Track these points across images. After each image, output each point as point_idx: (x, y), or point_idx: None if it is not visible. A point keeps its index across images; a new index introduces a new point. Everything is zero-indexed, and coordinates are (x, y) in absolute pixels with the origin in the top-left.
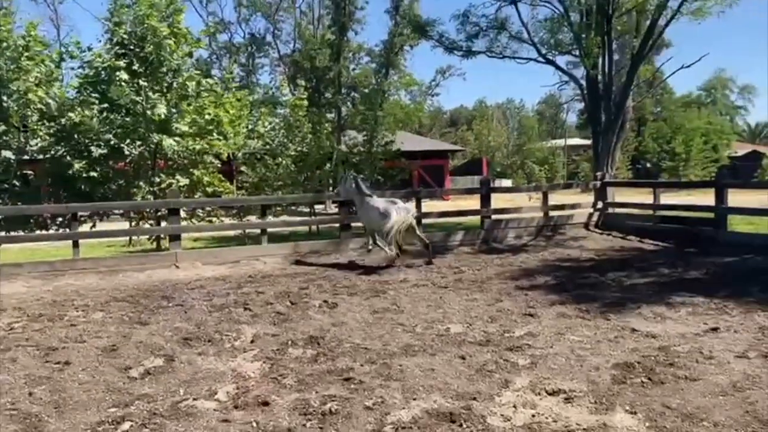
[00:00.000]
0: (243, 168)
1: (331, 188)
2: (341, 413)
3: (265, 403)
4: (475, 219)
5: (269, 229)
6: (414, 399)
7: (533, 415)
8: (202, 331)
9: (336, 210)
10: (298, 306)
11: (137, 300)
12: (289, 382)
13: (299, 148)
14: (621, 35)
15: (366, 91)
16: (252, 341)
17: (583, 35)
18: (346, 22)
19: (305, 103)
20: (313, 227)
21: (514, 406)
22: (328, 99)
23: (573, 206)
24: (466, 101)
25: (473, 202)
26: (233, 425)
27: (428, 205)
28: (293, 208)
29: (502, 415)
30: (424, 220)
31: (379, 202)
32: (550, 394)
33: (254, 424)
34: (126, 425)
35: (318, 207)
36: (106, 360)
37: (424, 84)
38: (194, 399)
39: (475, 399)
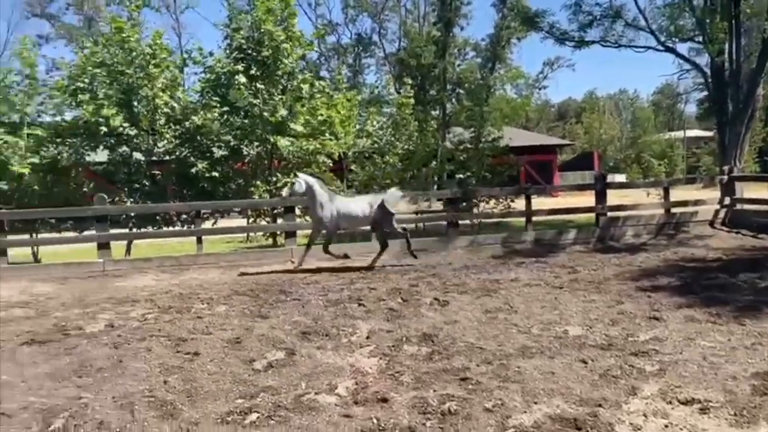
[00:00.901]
0: (353, 167)
1: (435, 186)
2: (461, 414)
3: (384, 400)
4: (588, 217)
5: None
6: (535, 403)
7: (666, 426)
8: (319, 326)
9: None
10: (410, 303)
11: (257, 294)
12: (406, 380)
13: (406, 146)
14: (750, 18)
15: (471, 86)
16: (367, 337)
17: (707, 20)
18: (451, 17)
19: (412, 101)
20: (419, 225)
21: (644, 415)
22: (433, 96)
23: (696, 202)
24: (574, 93)
25: (584, 199)
26: (354, 421)
27: (537, 202)
28: None
29: (631, 423)
30: (534, 218)
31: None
32: (683, 404)
33: (374, 421)
34: (253, 416)
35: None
36: (232, 352)
37: (531, 77)
38: (315, 393)
39: (600, 405)
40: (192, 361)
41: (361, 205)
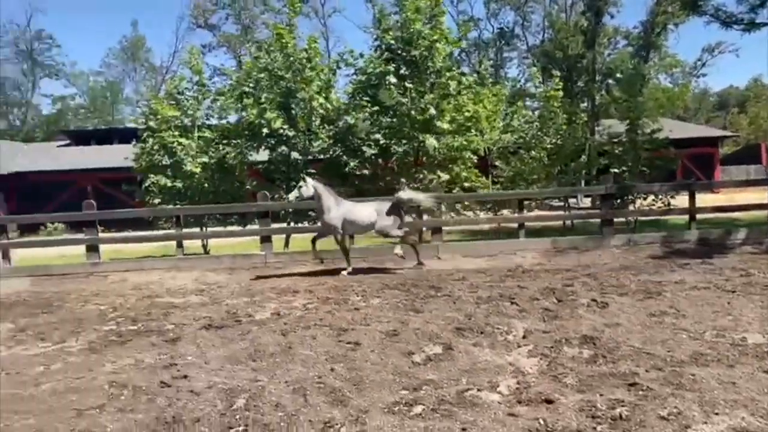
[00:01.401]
0: (497, 162)
1: (583, 182)
2: (633, 420)
3: (549, 401)
4: (755, 215)
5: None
6: (716, 414)
7: None
8: (473, 323)
9: (589, 204)
10: (565, 303)
11: (408, 289)
12: (570, 382)
13: (553, 141)
14: None
15: (621, 76)
16: (524, 336)
17: None
18: (601, 6)
19: (560, 93)
20: (567, 222)
21: None
22: (581, 88)
23: None
24: (737, 80)
25: (752, 195)
26: (520, 419)
27: (698, 199)
28: (546, 202)
29: None
30: (698, 215)
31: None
32: None
33: (541, 422)
34: (418, 408)
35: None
36: (390, 344)
37: (687, 64)
38: (478, 389)
39: None
40: (354, 351)
41: (367, 211)
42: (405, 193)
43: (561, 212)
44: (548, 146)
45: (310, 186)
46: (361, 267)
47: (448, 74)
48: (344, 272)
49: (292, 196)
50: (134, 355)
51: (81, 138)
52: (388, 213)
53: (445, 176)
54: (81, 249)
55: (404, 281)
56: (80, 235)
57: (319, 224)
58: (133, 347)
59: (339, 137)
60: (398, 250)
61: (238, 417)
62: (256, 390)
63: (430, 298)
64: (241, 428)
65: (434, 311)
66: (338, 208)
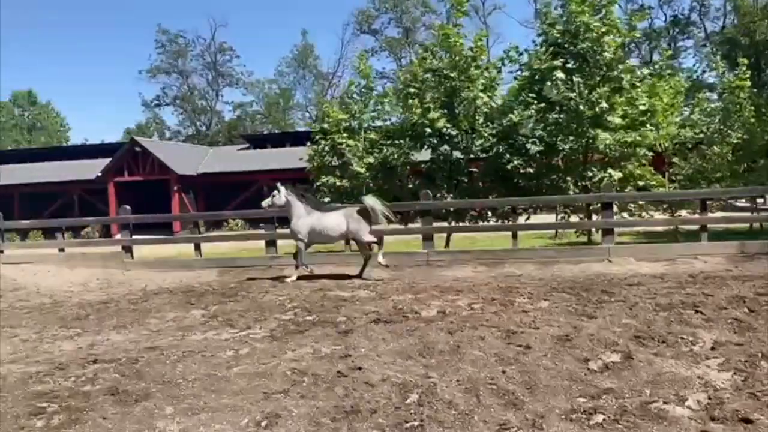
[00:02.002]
0: (675, 159)
1: None
2: None
3: (747, 421)
4: None
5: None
6: None
7: None
8: (652, 331)
9: None
10: (759, 314)
11: (577, 292)
12: None
13: (739, 135)
14: None
15: None
16: (712, 348)
17: None
18: None
19: (747, 83)
20: (755, 225)
21: None
22: None
23: None
24: None
25: None
26: None
27: None
28: (730, 202)
29: None
30: None
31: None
32: None
33: None
34: (598, 417)
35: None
36: (563, 349)
37: None
38: (663, 402)
39: None
40: (525, 354)
41: (335, 219)
42: (369, 199)
43: (746, 213)
44: (734, 141)
45: (282, 195)
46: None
47: (620, 67)
48: (288, 279)
49: (265, 203)
50: (312, 345)
51: (258, 141)
52: (358, 218)
53: (617, 174)
54: (259, 243)
55: (573, 285)
56: (257, 231)
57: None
58: (311, 337)
59: (502, 135)
60: (381, 258)
61: (412, 412)
62: (428, 386)
63: (603, 303)
64: (416, 423)
65: (609, 317)
66: (307, 217)
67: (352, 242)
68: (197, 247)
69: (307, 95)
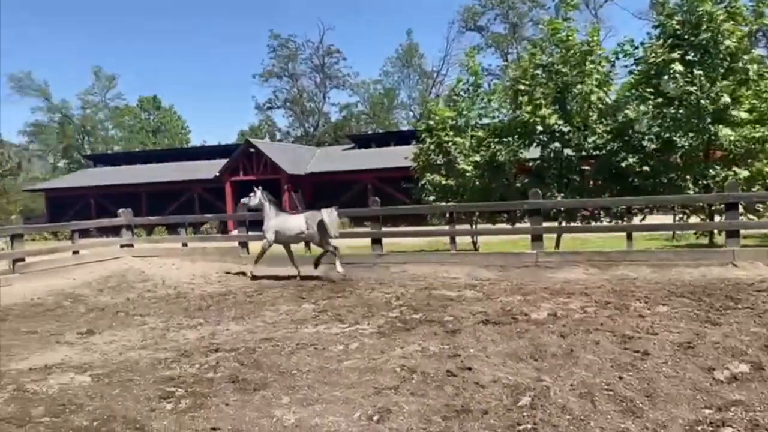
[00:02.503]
0: None
1: None
2: None
3: None
4: None
5: None
6: None
7: None
8: None
9: None
10: None
11: (699, 297)
12: None
13: None
14: None
15: None
16: None
17: None
18: None
19: None
20: None
21: None
22: None
23: None
24: None
25: None
26: None
27: None
28: None
29: None
30: None
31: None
32: None
33: None
34: (727, 431)
35: None
36: (685, 356)
37: None
38: None
39: None
40: (643, 361)
41: (297, 221)
42: (324, 214)
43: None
44: None
45: (257, 197)
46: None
47: (746, 57)
48: (249, 273)
49: (243, 200)
50: (419, 343)
51: (363, 141)
52: (317, 224)
53: (743, 173)
54: (363, 241)
55: (693, 289)
56: (362, 228)
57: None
58: (418, 335)
59: (617, 132)
60: (339, 267)
61: (525, 414)
62: (540, 389)
63: (729, 309)
64: (529, 426)
65: (735, 325)
66: (275, 219)
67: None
68: (307, 244)
69: (411, 94)
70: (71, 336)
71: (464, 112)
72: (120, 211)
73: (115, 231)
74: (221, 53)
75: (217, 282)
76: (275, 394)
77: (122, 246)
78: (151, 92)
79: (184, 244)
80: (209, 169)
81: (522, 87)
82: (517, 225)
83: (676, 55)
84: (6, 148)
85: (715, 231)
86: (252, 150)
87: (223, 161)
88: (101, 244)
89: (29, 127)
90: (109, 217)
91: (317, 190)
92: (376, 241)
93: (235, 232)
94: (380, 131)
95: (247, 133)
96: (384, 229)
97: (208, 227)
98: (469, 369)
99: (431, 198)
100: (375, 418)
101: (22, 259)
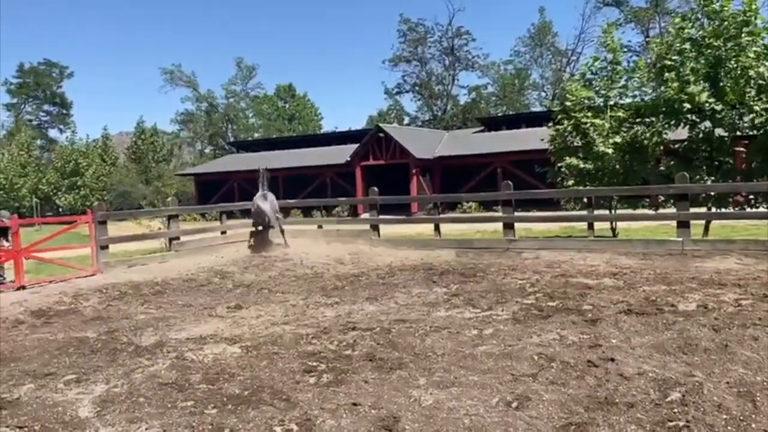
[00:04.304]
0: None
1: None
2: None
3: None
4: None
5: None
6: None
7: None
8: None
9: None
10: None
11: None
12: None
13: None
14: None
15: None
16: None
17: None
18: None
19: None
20: None
21: None
22: None
23: None
24: None
25: None
26: None
27: None
28: None
29: None
30: None
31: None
32: None
33: None
34: None
35: None
36: None
37: None
38: None
39: None
40: None
41: (262, 205)
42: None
43: None
44: None
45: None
46: None
47: None
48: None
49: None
50: (557, 331)
51: (492, 124)
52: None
53: None
54: (493, 226)
55: None
56: (491, 213)
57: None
58: (555, 323)
59: None
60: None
61: (675, 411)
62: (692, 385)
63: None
64: (681, 423)
65: None
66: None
67: None
68: (436, 227)
69: (544, 74)
70: (222, 310)
71: (603, 92)
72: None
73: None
74: (352, 40)
75: (350, 263)
76: (411, 374)
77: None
78: (287, 80)
79: (319, 226)
80: (340, 154)
81: (668, 62)
82: (661, 210)
83: None
84: (160, 136)
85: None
86: (381, 135)
87: (354, 146)
88: (245, 225)
89: (180, 116)
90: (250, 200)
91: (446, 175)
92: (509, 225)
93: (365, 215)
94: (511, 113)
95: (376, 118)
96: (517, 214)
97: (339, 210)
98: (612, 360)
99: (570, 183)
100: (514, 404)
101: (177, 238)
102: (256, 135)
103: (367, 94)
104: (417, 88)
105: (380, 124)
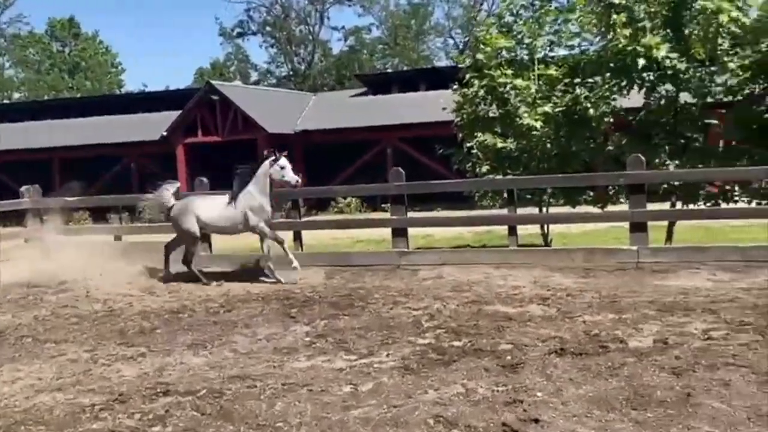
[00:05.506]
0: None
1: None
2: None
3: None
4: None
5: None
6: None
7: None
8: None
9: None
10: None
11: None
12: None
13: None
14: None
15: None
16: None
17: None
18: None
19: None
20: None
21: None
22: None
23: None
24: None
25: None
26: None
27: None
28: None
29: None
30: None
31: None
32: None
33: None
34: None
35: None
36: None
37: None
38: None
39: None
40: None
41: None
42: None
43: None
44: None
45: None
46: None
47: None
48: None
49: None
50: (463, 382)
51: (379, 84)
52: None
53: None
54: (379, 232)
55: None
56: (377, 214)
57: None
58: (461, 370)
59: (760, 67)
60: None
61: None
62: None
63: None
64: None
65: None
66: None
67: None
68: (297, 237)
69: (451, 13)
70: None
71: (527, 41)
72: (23, 189)
73: (18, 217)
74: None
75: (166, 293)
76: None
77: (27, 240)
78: (65, 13)
79: (118, 237)
80: (153, 126)
81: (616, 2)
82: (610, 208)
83: None
84: None
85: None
86: (215, 98)
87: (174, 114)
88: None
89: None
90: (7, 198)
91: (313, 158)
92: (400, 232)
93: None
94: (406, 69)
95: (208, 72)
96: (412, 215)
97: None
98: (536, 421)
99: (484, 169)
100: None
101: None
102: (16, 96)
103: (195, 35)
104: (268, 27)
105: (213, 82)
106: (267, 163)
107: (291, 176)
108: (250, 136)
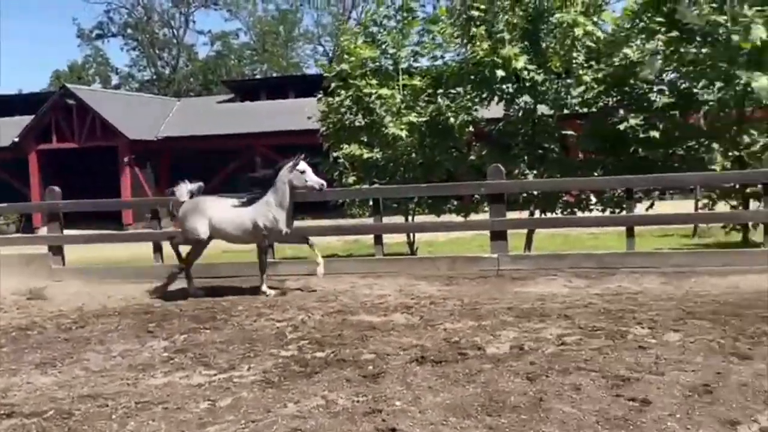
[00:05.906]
0: None
1: None
2: None
3: None
4: None
5: None
6: None
7: None
8: None
9: None
10: None
11: (725, 320)
12: None
13: None
14: None
15: None
16: None
17: None
18: None
19: None
20: None
21: None
22: None
23: None
24: None
25: None
26: None
27: None
28: None
29: None
30: None
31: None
32: None
33: None
34: None
35: None
36: (699, 404)
37: None
38: None
39: None
40: (642, 413)
41: None
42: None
43: None
44: None
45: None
46: None
47: None
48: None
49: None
50: (323, 393)
51: (247, 90)
52: None
53: None
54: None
55: (717, 308)
56: None
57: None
58: (322, 382)
59: (613, 80)
60: None
61: None
62: None
63: (765, 336)
64: None
65: None
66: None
67: None
68: (157, 248)
69: (321, 20)
70: None
71: (391, 51)
72: None
73: None
74: None
75: (14, 308)
76: None
77: None
78: None
79: None
80: (4, 131)
81: (476, 14)
82: (473, 217)
83: None
84: None
85: (750, 224)
86: (71, 102)
87: (27, 119)
88: None
89: None
90: None
91: (177, 165)
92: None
93: (44, 231)
94: (274, 75)
95: (65, 75)
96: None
97: (1, 222)
98: (393, 431)
99: (351, 180)
100: None
101: None
102: None
103: (50, 35)
104: (130, 30)
105: (70, 85)
106: (285, 169)
107: (314, 179)
108: (109, 142)
